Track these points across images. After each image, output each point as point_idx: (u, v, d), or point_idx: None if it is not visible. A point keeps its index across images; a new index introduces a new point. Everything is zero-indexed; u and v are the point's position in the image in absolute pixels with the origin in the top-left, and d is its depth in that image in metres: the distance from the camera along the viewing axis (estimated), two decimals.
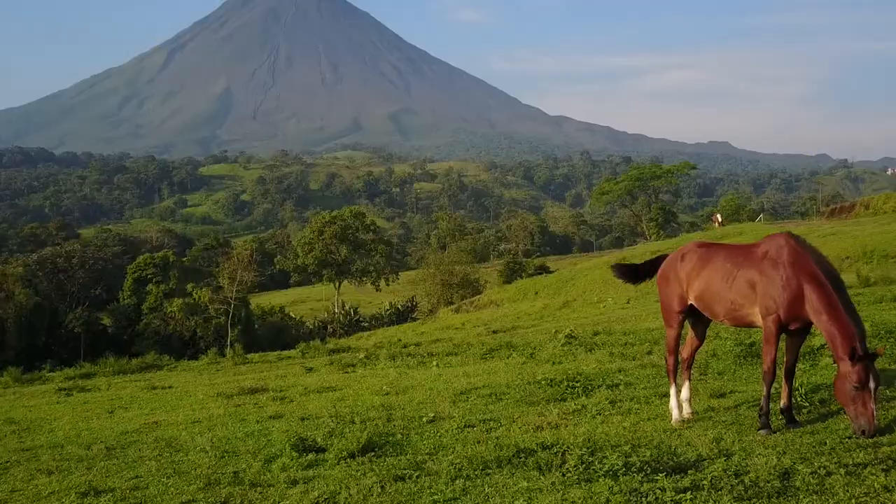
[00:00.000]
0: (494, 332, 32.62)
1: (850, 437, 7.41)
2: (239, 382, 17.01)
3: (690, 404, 9.22)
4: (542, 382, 11.89)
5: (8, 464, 10.21)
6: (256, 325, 74.98)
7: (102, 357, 30.48)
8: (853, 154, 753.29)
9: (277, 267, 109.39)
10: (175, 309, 71.62)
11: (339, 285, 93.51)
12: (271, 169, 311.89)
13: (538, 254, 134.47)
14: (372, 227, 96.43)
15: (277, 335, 72.06)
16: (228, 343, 59.77)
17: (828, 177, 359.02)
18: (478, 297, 74.97)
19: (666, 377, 10.03)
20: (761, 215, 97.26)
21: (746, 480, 6.36)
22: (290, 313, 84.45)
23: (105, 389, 19.00)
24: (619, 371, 12.60)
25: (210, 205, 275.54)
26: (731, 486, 6.31)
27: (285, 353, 29.77)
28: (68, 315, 77.64)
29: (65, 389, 19.20)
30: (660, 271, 9.57)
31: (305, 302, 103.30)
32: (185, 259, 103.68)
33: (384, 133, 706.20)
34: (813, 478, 6.33)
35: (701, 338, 9.55)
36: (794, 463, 6.72)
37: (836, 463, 6.63)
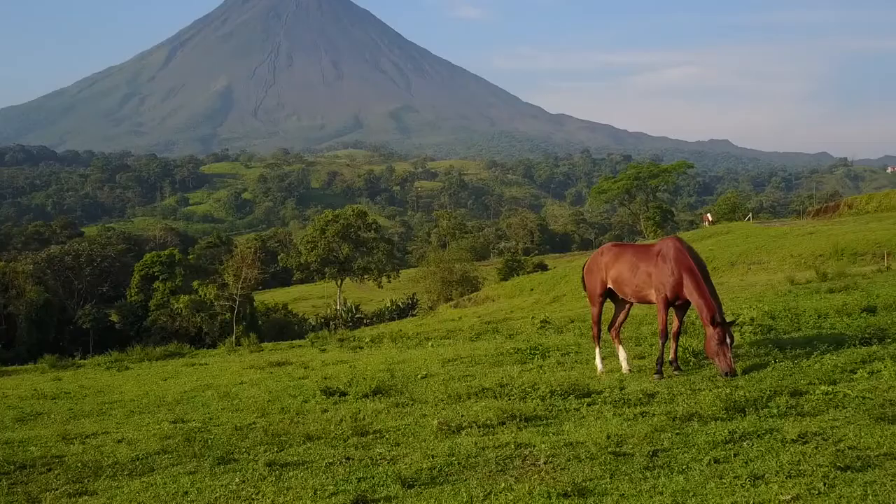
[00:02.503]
0: (487, 323, 35.53)
1: (716, 377, 10.59)
2: (265, 359, 20.20)
3: (627, 362, 12.44)
4: (511, 352, 15.30)
5: (102, 410, 13.43)
6: (260, 322, 77.10)
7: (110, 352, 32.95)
8: (854, 152, 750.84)
9: (280, 265, 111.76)
10: (181, 305, 73.63)
11: (341, 283, 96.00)
12: (272, 167, 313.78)
13: (537, 252, 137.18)
14: (373, 226, 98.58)
15: (281, 331, 74.03)
16: (234, 338, 62.41)
17: (827, 175, 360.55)
18: (476, 293, 77.75)
19: (604, 346, 13.21)
20: (749, 215, 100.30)
21: (624, 398, 9.66)
22: (293, 310, 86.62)
23: (148, 367, 22.08)
24: (575, 345, 15.84)
25: (211, 203, 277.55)
26: (614, 401, 9.69)
27: (296, 342, 32.76)
28: (78, 311, 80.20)
29: (114, 367, 22.26)
30: (585, 265, 13.07)
31: (307, 299, 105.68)
32: (190, 257, 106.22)
33: (385, 131, 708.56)
34: (667, 395, 9.73)
35: (624, 312, 12.93)
36: (661, 389, 10.01)
37: (688, 388, 10.02)
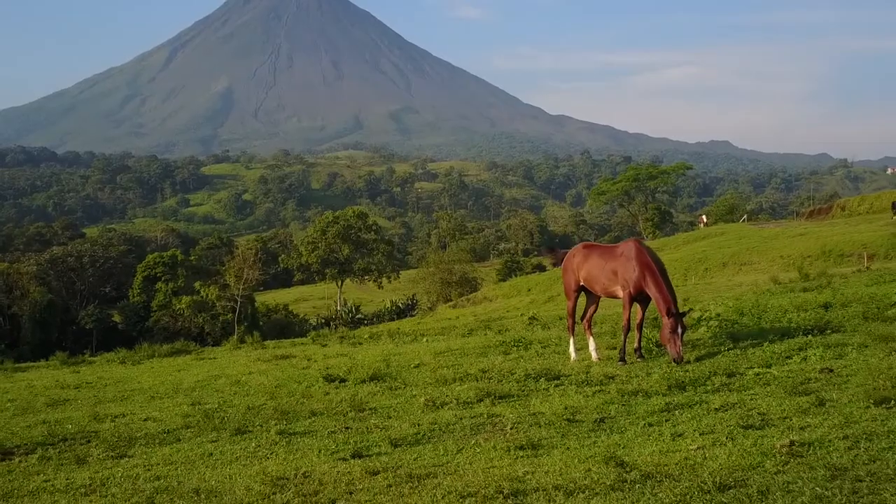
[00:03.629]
0: (482, 321, 36.82)
1: (669, 363, 12.01)
2: (270, 353, 21.60)
3: (597, 351, 13.93)
4: (497, 344, 16.74)
5: (124, 396, 14.81)
6: (261, 322, 78.03)
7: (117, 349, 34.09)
8: (854, 153, 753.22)
9: (281, 265, 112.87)
10: (184, 306, 74.65)
11: (342, 284, 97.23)
12: (273, 168, 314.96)
13: (536, 253, 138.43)
14: (374, 227, 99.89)
15: (282, 332, 74.89)
16: (236, 338, 63.38)
17: (827, 176, 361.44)
18: (474, 294, 79.02)
19: (584, 337, 14.78)
20: (745, 216, 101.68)
21: (588, 379, 11.07)
22: (294, 311, 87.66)
23: (159, 362, 23.37)
24: (557, 338, 17.26)
25: (212, 204, 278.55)
26: (578, 382, 11.12)
27: (298, 340, 34.14)
28: (81, 312, 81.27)
29: (126, 362, 23.57)
30: (562, 265, 14.46)
31: (308, 300, 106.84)
32: (191, 258, 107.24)
33: (385, 132, 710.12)
34: (625, 377, 11.22)
35: (594, 306, 14.45)
36: (620, 372, 11.42)
37: (643, 372, 11.46)
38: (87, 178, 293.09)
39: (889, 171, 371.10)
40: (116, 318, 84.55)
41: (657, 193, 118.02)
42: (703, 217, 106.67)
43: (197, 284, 77.59)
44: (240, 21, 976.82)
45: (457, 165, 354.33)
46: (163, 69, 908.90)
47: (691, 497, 6.12)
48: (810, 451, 6.83)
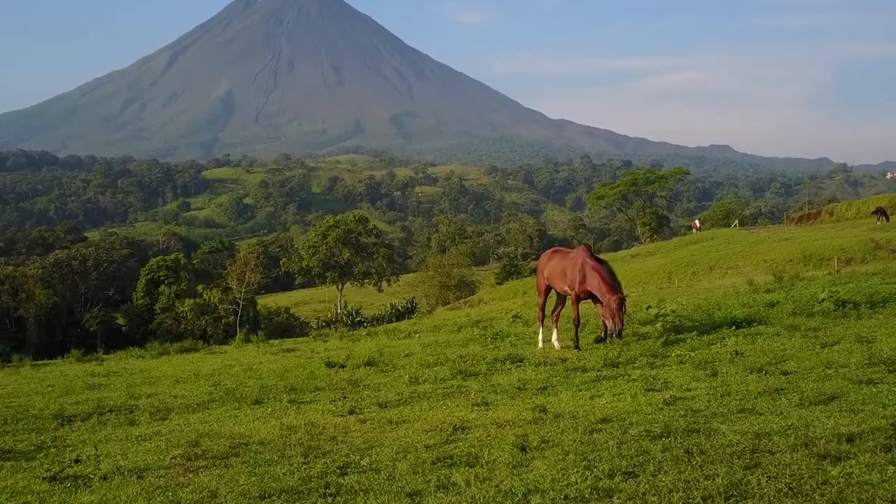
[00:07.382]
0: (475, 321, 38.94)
1: (611, 348, 14.22)
2: (277, 347, 23.81)
3: (559, 341, 16.24)
4: (478, 337, 19.00)
5: (151, 381, 17.01)
6: (263, 325, 79.48)
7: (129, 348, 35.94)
8: (854, 158, 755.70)
9: (283, 269, 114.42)
10: (187, 309, 76.13)
11: (342, 287, 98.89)
12: (274, 172, 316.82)
13: (535, 257, 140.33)
14: (374, 231, 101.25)
15: (283, 334, 75.73)
16: (241, 337, 64.94)
17: (827, 181, 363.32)
18: (471, 297, 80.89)
19: (550, 328, 16.99)
20: (736, 221, 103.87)
21: (545, 361, 13.32)
22: (295, 314, 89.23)
23: (174, 357, 25.47)
24: (533, 333, 19.36)
25: (213, 208, 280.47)
26: (537, 363, 13.34)
27: (300, 339, 36.26)
28: (85, 314, 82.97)
29: (142, 357, 25.67)
30: (537, 266, 16.48)
31: (309, 303, 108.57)
32: (194, 261, 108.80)
33: (386, 136, 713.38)
34: (576, 359, 13.42)
35: (562, 302, 16.82)
36: (571, 357, 13.65)
37: (591, 355, 13.56)
38: (88, 182, 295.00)
39: (889, 175, 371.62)
40: (120, 321, 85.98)
41: (655, 198, 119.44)
42: (696, 222, 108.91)
43: (199, 288, 78.88)
44: (241, 25, 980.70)
45: (457, 170, 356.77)
46: (164, 73, 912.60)
47: (579, 424, 8.46)
48: (681, 402, 9.14)
